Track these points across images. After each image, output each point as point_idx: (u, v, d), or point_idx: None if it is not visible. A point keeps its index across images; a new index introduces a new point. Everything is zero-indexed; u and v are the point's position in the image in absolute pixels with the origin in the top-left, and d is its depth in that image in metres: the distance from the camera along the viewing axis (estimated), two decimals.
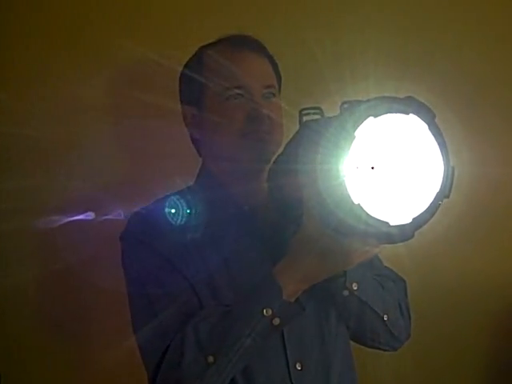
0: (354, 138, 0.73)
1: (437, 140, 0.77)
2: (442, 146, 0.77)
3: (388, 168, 0.75)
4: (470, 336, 1.62)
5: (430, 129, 0.76)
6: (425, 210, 0.75)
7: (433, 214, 0.76)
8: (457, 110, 1.34)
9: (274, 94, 1.06)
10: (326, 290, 0.96)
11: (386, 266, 1.16)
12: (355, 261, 0.85)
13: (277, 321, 0.86)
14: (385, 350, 1.12)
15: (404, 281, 1.16)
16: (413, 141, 0.76)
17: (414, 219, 0.75)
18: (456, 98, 1.51)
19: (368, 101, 0.75)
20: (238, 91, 1.02)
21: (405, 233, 0.75)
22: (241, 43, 1.06)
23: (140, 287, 0.97)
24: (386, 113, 0.74)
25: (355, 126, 0.73)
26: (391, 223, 0.74)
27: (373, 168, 0.74)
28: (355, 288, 0.96)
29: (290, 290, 0.87)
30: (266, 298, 0.87)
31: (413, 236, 0.76)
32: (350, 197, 0.72)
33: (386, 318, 1.03)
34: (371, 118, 0.74)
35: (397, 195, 0.76)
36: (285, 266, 0.88)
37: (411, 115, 0.75)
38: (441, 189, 0.76)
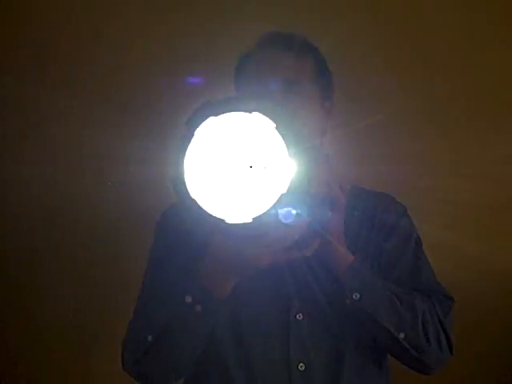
0: (193, 136, 0.75)
1: (284, 140, 0.74)
2: (291, 145, 0.73)
3: (231, 167, 0.75)
4: None
5: (276, 128, 0.74)
6: (266, 211, 0.73)
7: (275, 216, 0.74)
8: None
9: (298, 92, 1.04)
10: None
11: (437, 282, 1.09)
12: (250, 261, 0.85)
13: (198, 307, 0.89)
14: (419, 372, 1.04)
15: (450, 299, 1.07)
16: (260, 140, 0.75)
17: (254, 219, 0.73)
18: None
19: (218, 100, 0.76)
20: (256, 86, 1.03)
21: (248, 231, 0.74)
22: (266, 41, 1.08)
23: (154, 269, 1.04)
24: (227, 112, 0.74)
25: (195, 126, 0.75)
26: (228, 221, 0.75)
27: (265, 168, 0.74)
28: (356, 298, 0.94)
29: (218, 286, 0.89)
30: (187, 286, 0.91)
31: (264, 235, 0.75)
32: (188, 193, 0.76)
33: (402, 337, 0.96)
34: (212, 118, 0.75)
35: (240, 194, 0.74)
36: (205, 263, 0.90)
37: (255, 114, 0.74)
38: (286, 191, 0.73)
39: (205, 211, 0.74)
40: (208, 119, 0.75)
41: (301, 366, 0.98)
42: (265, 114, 0.73)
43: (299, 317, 1.00)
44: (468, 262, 1.48)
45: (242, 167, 0.75)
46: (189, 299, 0.89)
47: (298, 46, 1.08)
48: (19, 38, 1.59)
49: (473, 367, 1.33)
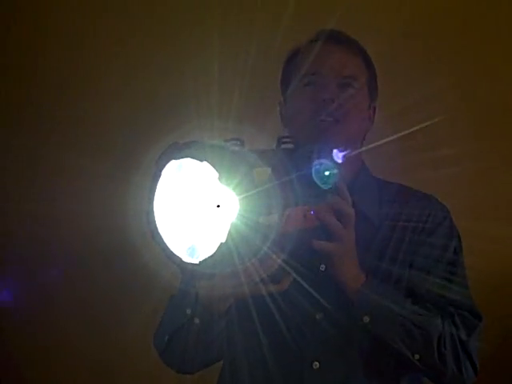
0: (159, 176, 0.80)
1: (227, 189, 0.75)
2: (231, 197, 0.75)
3: (189, 208, 0.80)
4: None
5: (219, 178, 0.75)
6: (209, 256, 0.77)
7: (220, 262, 0.76)
8: None
9: (353, 87, 1.07)
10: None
11: (467, 297, 1.04)
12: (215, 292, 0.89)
13: (197, 320, 0.95)
14: None
15: (477, 318, 1.02)
16: (213, 185, 0.77)
17: (200, 262, 0.77)
18: None
19: (182, 144, 0.80)
20: (311, 78, 1.07)
21: (195, 273, 0.78)
22: (327, 37, 1.10)
23: None
24: (183, 157, 0.78)
25: (161, 166, 0.81)
26: (184, 259, 0.80)
27: (218, 206, 0.78)
28: (366, 321, 0.94)
29: (212, 305, 0.93)
30: (187, 300, 0.97)
31: (210, 278, 0.79)
32: (156, 229, 0.82)
33: (417, 358, 0.95)
34: (173, 161, 0.79)
35: (196, 235, 0.80)
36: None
37: (205, 163, 0.76)
38: (226, 240, 0.75)
39: (168, 248, 0.79)
40: (170, 161, 0.79)
41: None
42: (212, 164, 0.75)
43: (315, 366, 0.99)
44: None
45: (199, 207, 0.79)
46: (188, 311, 0.96)
47: (353, 45, 1.10)
48: None
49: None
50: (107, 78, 1.61)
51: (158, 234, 0.81)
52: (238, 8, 1.49)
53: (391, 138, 1.12)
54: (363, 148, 1.12)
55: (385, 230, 1.03)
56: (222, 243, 0.75)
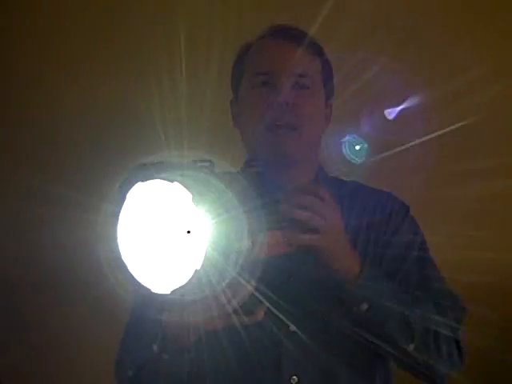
0: (124, 200, 0.75)
1: (200, 212, 0.70)
2: (206, 215, 0.70)
3: (158, 234, 0.74)
4: None
5: (193, 200, 0.70)
6: (182, 285, 0.71)
7: (193, 291, 0.71)
8: None
9: (308, 87, 1.03)
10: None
11: (448, 290, 1.03)
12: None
13: (165, 356, 0.89)
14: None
15: (462, 310, 1.02)
16: (183, 209, 0.72)
17: (172, 291, 0.72)
18: None
19: (148, 165, 0.75)
20: (264, 78, 1.02)
21: (165, 303, 0.73)
22: (278, 33, 1.07)
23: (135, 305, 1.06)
24: (152, 179, 0.73)
25: (125, 190, 0.75)
26: (152, 290, 0.74)
27: (188, 232, 0.72)
28: (363, 309, 0.90)
29: (179, 338, 0.88)
30: (152, 335, 0.91)
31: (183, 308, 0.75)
32: (120, 256, 0.76)
33: (411, 348, 0.92)
34: (140, 183, 0.74)
35: (166, 263, 0.74)
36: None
37: (175, 183, 0.71)
38: (201, 266, 0.70)
39: (133, 277, 0.74)
40: (136, 184, 0.73)
41: None
42: (183, 184, 0.70)
43: (294, 380, 0.96)
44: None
45: (169, 232, 0.73)
46: (155, 348, 0.89)
47: (308, 42, 1.05)
48: None
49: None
50: (73, 97, 1.56)
51: (123, 262, 0.75)
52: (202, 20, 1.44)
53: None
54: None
55: (349, 232, 0.97)
56: (196, 270, 0.70)
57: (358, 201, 1.04)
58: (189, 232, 0.72)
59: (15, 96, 1.63)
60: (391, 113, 0.97)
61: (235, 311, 0.79)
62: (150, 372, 0.93)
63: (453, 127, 1.23)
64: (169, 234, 0.73)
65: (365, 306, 0.89)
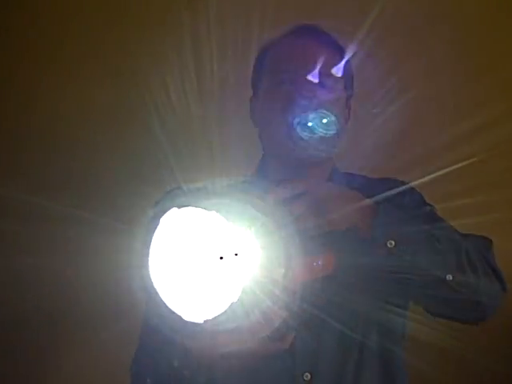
0: (157, 225, 0.74)
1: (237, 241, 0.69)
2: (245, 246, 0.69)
3: (193, 262, 0.72)
4: None
5: (229, 228, 0.70)
6: (218, 315, 0.70)
7: (227, 322, 0.70)
8: None
9: (330, 86, 1.01)
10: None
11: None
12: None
13: (186, 372, 0.86)
14: (469, 323, 0.96)
15: (487, 239, 0.99)
16: (219, 237, 0.71)
17: (205, 321, 0.71)
18: None
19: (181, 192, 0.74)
20: (286, 76, 1.01)
21: (197, 334, 0.72)
22: (301, 32, 1.06)
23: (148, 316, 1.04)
24: (187, 206, 0.72)
25: (159, 215, 0.74)
26: (184, 317, 0.72)
27: (236, 255, 0.71)
28: (391, 246, 0.84)
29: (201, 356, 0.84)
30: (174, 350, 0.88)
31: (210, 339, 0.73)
32: (151, 283, 0.75)
33: (449, 279, 0.86)
34: (175, 209, 0.73)
35: (200, 292, 0.72)
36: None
37: (213, 212, 0.70)
38: (238, 300, 0.69)
39: (165, 305, 0.72)
40: (171, 210, 0.73)
41: None
42: (221, 214, 0.70)
43: (306, 377, 0.95)
44: None
45: (203, 260, 0.72)
46: (176, 364, 0.87)
47: (332, 42, 1.06)
48: None
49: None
50: (104, 124, 1.57)
51: (154, 288, 0.74)
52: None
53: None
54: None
55: None
56: (233, 303, 0.69)
57: (370, 192, 0.99)
58: (222, 258, 0.71)
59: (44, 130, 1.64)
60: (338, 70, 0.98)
61: (265, 338, 0.77)
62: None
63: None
64: (204, 263, 0.71)
65: (392, 243, 0.84)
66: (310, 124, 0.94)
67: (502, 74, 1.50)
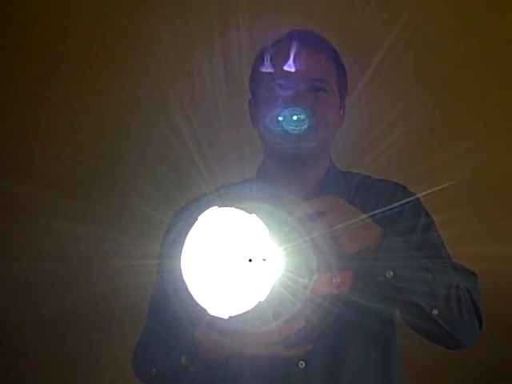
0: (196, 221, 0.78)
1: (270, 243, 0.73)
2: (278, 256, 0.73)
3: (226, 258, 0.76)
4: None
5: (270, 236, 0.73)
6: (242, 313, 0.73)
7: (253, 321, 0.73)
8: None
9: (325, 90, 1.06)
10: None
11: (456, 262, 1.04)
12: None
13: (192, 368, 0.90)
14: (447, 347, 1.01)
15: (474, 274, 1.02)
16: (255, 239, 0.75)
17: (230, 317, 0.74)
18: None
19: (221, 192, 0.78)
20: (281, 81, 1.05)
21: (222, 327, 0.75)
22: (295, 37, 1.09)
23: (156, 305, 1.08)
24: (229, 206, 0.76)
25: (199, 212, 0.78)
26: (210, 312, 0.75)
27: (264, 260, 0.75)
28: (389, 276, 0.89)
29: (209, 356, 0.89)
30: (183, 345, 0.92)
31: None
32: (181, 275, 0.78)
33: (435, 313, 0.91)
34: (215, 208, 0.77)
35: (229, 289, 0.75)
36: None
37: (253, 215, 0.74)
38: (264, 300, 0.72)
39: (192, 297, 0.75)
40: (212, 208, 0.76)
41: None
42: (260, 218, 0.74)
43: (301, 365, 0.97)
44: None
45: (236, 259, 0.75)
46: (183, 360, 0.90)
47: (326, 47, 1.10)
48: None
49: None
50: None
51: (183, 279, 0.77)
52: None
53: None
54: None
55: None
56: (260, 302, 0.72)
57: (367, 191, 1.07)
58: (250, 260, 0.74)
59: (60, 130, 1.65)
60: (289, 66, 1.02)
61: (278, 343, 0.80)
62: (173, 377, 0.94)
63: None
64: (236, 262, 0.75)
65: (391, 274, 0.88)
66: (280, 119, 1.00)
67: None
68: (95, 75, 1.61)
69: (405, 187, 1.12)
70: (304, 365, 0.98)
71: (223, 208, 0.76)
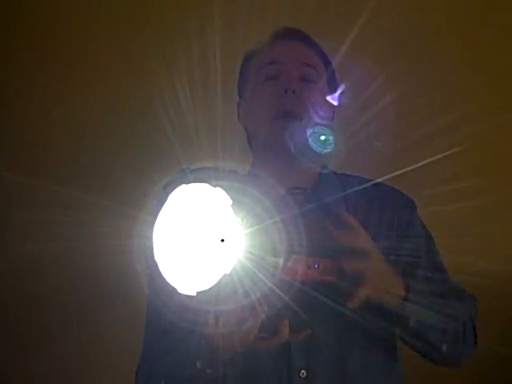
0: (165, 201, 0.77)
1: (237, 220, 0.72)
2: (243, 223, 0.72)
3: (192, 235, 0.75)
4: None
5: (232, 206, 0.73)
6: (209, 288, 0.73)
7: (216, 294, 0.72)
8: None
9: (313, 81, 1.05)
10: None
11: (456, 283, 1.07)
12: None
13: (209, 370, 0.87)
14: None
15: (474, 298, 1.06)
16: (221, 214, 0.74)
17: (198, 293, 0.73)
18: None
19: (190, 169, 0.78)
20: (271, 69, 1.04)
21: (193, 307, 0.75)
22: (284, 34, 1.10)
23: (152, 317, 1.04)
24: (195, 182, 0.75)
25: (169, 191, 0.77)
26: (179, 290, 0.75)
27: (222, 240, 0.74)
28: (413, 325, 0.91)
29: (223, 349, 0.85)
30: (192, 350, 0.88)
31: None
32: (152, 255, 0.78)
33: (444, 349, 0.95)
34: (184, 185, 0.76)
35: (198, 267, 0.75)
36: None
37: (218, 188, 0.74)
38: (230, 272, 0.72)
39: (162, 277, 0.75)
40: (180, 186, 0.76)
41: None
42: (225, 190, 0.73)
43: (303, 374, 0.95)
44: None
45: (203, 239, 0.74)
46: (198, 365, 0.87)
47: (315, 44, 1.09)
48: None
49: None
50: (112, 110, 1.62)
51: (154, 260, 0.77)
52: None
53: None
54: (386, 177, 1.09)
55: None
56: (225, 274, 0.71)
57: (365, 196, 1.04)
58: (223, 240, 0.74)
59: (55, 120, 1.68)
60: (333, 98, 1.01)
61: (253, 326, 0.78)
62: None
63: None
64: (205, 239, 0.74)
65: (413, 321, 0.90)
66: (308, 141, 0.98)
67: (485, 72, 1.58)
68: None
69: (407, 196, 1.10)
70: (305, 374, 0.95)
71: (190, 184, 0.76)
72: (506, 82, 1.61)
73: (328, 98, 1.01)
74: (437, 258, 1.06)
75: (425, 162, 1.16)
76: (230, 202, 0.73)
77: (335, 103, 1.01)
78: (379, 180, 1.07)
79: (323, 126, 0.99)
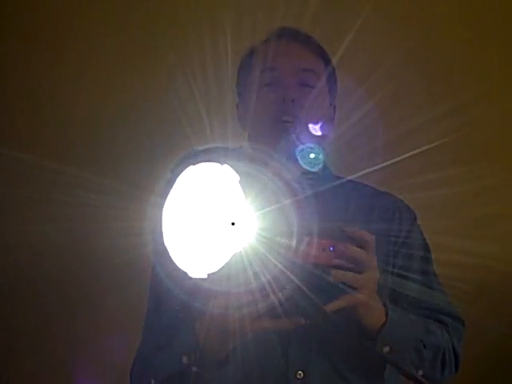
0: (173, 184, 0.76)
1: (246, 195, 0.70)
2: (252, 202, 0.71)
3: (202, 218, 0.74)
4: None
5: (240, 183, 0.71)
6: (219, 269, 0.71)
7: (227, 276, 0.71)
8: None
9: (312, 85, 1.03)
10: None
11: (448, 302, 1.06)
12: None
13: (194, 368, 0.87)
14: None
15: (462, 323, 1.05)
16: (229, 193, 0.72)
17: (209, 275, 0.72)
18: None
19: (199, 150, 0.76)
20: (270, 75, 1.03)
21: (205, 289, 0.73)
22: (284, 34, 1.07)
23: (151, 312, 1.04)
24: (202, 162, 0.74)
25: (177, 173, 0.76)
26: (190, 275, 0.74)
27: (233, 224, 0.73)
28: (386, 351, 0.89)
29: (214, 349, 0.86)
30: (184, 343, 0.89)
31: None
32: (162, 240, 0.76)
33: (419, 374, 0.94)
34: (191, 167, 0.75)
35: (207, 247, 0.73)
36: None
37: (225, 166, 0.72)
38: (239, 251, 0.71)
39: (173, 262, 0.74)
40: (188, 168, 0.74)
41: None
42: (232, 167, 0.72)
43: (300, 375, 0.94)
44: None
45: (213, 221, 0.73)
46: (185, 360, 0.87)
47: (314, 43, 1.07)
48: None
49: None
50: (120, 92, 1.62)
51: (164, 245, 0.75)
52: None
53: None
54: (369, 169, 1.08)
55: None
56: (235, 254, 0.70)
57: (365, 202, 1.03)
58: (233, 224, 0.72)
59: (60, 97, 1.66)
60: (316, 128, 0.99)
61: (277, 311, 0.76)
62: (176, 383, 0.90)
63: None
64: (215, 221, 0.73)
65: (387, 349, 0.89)
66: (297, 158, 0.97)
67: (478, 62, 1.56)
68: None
69: (408, 207, 1.08)
70: (302, 375, 0.94)
71: (198, 165, 0.74)
72: (502, 72, 1.58)
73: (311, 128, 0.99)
74: (431, 278, 1.05)
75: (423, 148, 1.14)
76: (238, 178, 0.71)
77: (319, 133, 0.99)
78: (377, 167, 1.08)
79: (316, 141, 0.98)
